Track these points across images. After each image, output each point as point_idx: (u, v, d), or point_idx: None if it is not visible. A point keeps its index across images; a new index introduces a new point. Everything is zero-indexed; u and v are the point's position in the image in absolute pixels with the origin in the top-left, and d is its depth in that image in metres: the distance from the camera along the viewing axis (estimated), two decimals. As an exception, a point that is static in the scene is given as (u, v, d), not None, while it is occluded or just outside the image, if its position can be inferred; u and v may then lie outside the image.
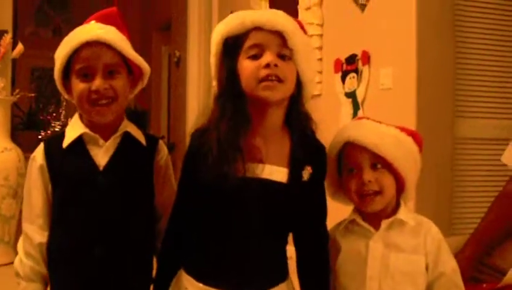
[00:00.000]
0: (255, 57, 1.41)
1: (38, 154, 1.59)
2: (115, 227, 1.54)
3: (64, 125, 9.37)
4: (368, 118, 1.65)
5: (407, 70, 2.76)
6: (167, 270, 1.53)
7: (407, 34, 2.76)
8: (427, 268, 1.49)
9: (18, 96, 4.41)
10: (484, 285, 1.89)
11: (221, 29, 1.47)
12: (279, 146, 1.46)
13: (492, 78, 2.88)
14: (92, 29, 1.56)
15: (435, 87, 2.75)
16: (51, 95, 8.92)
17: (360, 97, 3.10)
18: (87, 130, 1.56)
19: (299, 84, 1.47)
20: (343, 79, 3.26)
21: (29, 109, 8.00)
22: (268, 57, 1.39)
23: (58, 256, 1.56)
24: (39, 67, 8.55)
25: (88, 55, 1.52)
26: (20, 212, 4.03)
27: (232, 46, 1.45)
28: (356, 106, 3.12)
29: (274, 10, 1.49)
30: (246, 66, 1.41)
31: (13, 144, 4.16)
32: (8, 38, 4.19)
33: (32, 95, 6.55)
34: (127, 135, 1.60)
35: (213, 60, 1.50)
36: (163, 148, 1.66)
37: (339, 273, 1.53)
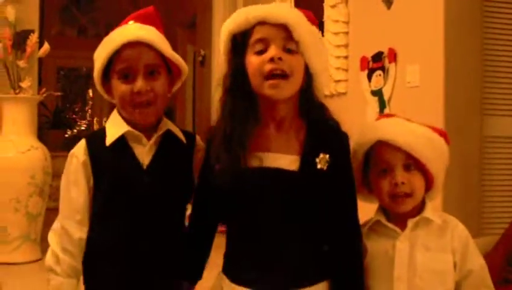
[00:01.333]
0: (261, 52, 1.41)
1: (79, 150, 1.59)
2: (159, 223, 1.56)
3: (90, 124, 9.49)
4: (393, 115, 1.63)
5: (434, 67, 2.72)
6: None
7: (435, 31, 2.73)
8: (455, 266, 1.46)
9: (44, 95, 4.46)
10: (515, 287, 1.86)
11: (228, 27, 1.47)
12: (292, 136, 1.45)
13: (522, 75, 2.83)
14: (132, 30, 1.57)
15: (462, 85, 2.72)
16: (77, 94, 9.08)
17: (386, 95, 3.07)
18: (130, 128, 1.57)
19: (309, 76, 1.46)
20: (369, 77, 3.23)
21: (55, 107, 8.09)
22: (272, 51, 1.39)
23: (99, 251, 1.57)
24: (65, 66, 8.68)
25: (129, 55, 1.53)
26: (46, 210, 4.09)
27: (240, 42, 1.46)
28: (382, 104, 3.09)
29: (278, 4, 1.49)
30: (252, 62, 1.42)
31: (39, 143, 4.21)
32: (34, 37, 4.23)
33: (58, 94, 6.63)
34: (167, 133, 1.61)
35: (223, 58, 1.51)
36: (200, 142, 1.67)
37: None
